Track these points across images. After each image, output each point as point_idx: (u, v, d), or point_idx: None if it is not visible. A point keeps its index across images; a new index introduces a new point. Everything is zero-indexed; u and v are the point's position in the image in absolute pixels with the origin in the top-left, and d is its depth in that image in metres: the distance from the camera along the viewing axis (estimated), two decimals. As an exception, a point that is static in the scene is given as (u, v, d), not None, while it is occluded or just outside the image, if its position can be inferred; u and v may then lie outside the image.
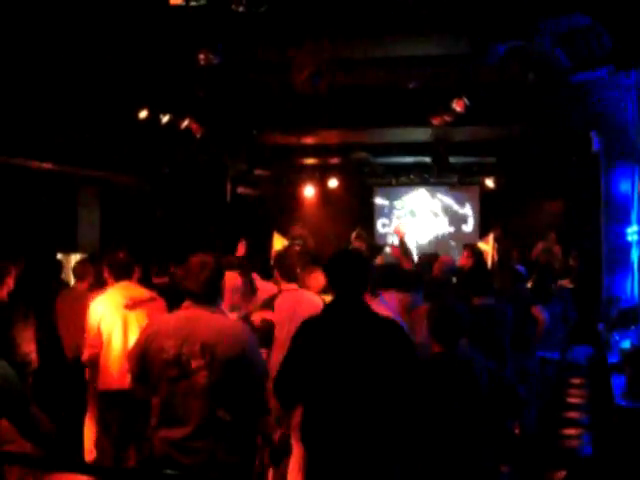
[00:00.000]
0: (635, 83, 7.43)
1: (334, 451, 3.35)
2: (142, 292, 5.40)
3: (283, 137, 11.74)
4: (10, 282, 5.00)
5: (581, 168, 10.82)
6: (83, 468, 3.35)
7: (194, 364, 3.42)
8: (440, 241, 15.29)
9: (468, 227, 15.19)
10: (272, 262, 7.12)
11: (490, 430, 3.93)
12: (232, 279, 4.67)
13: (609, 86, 7.60)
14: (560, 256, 10.83)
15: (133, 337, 5.14)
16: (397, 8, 6.49)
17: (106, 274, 6.34)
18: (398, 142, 12.45)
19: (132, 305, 5.23)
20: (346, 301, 3.51)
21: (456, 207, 15.28)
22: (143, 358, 3.57)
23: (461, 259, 8.80)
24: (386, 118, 10.39)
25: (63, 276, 8.57)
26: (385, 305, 4.89)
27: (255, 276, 6.77)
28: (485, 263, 8.74)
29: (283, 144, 12.29)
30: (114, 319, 5.20)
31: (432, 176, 14.31)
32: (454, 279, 7.35)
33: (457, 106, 9.09)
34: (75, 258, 9.63)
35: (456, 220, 15.32)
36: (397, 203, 15.65)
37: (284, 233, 12.04)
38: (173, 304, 4.40)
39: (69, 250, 10.57)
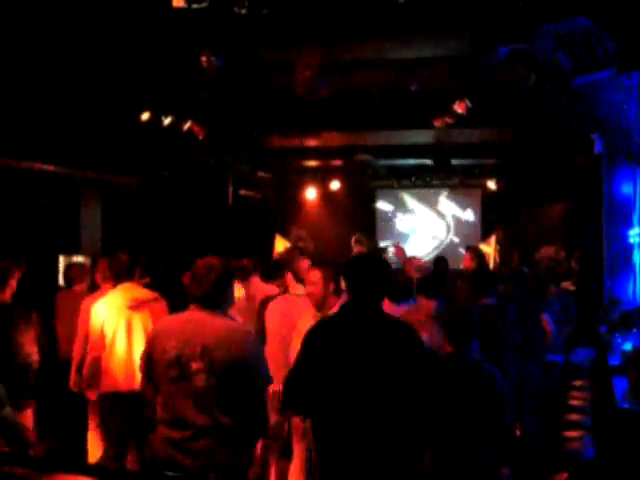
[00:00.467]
0: (637, 85, 7.43)
1: (348, 455, 3.32)
2: (145, 293, 5.41)
3: (285, 139, 11.75)
4: (13, 284, 5.01)
5: (583, 170, 10.82)
6: (85, 469, 3.35)
7: (194, 366, 3.43)
8: (442, 243, 15.29)
9: (470, 229, 15.19)
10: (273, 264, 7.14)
11: (494, 432, 3.94)
12: None
13: (611, 88, 7.60)
14: (564, 261, 10.77)
15: (137, 338, 5.16)
16: (398, 10, 6.49)
17: (98, 277, 6.36)
18: (400, 144, 12.46)
19: (136, 306, 5.23)
20: (361, 305, 3.48)
21: (458, 209, 15.27)
22: (149, 358, 3.60)
23: (464, 261, 8.80)
24: (388, 120, 10.37)
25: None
26: (411, 311, 4.89)
27: (256, 278, 6.80)
28: (488, 265, 8.75)
29: (285, 146, 12.30)
30: (117, 320, 5.21)
31: (434, 178, 14.32)
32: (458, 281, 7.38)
33: (459, 108, 9.09)
34: (77, 260, 9.63)
35: (458, 222, 15.31)
36: (399, 205, 15.65)
37: (286, 235, 12.06)
38: (175, 304, 4.41)
39: (71, 252, 10.57)
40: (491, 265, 10.17)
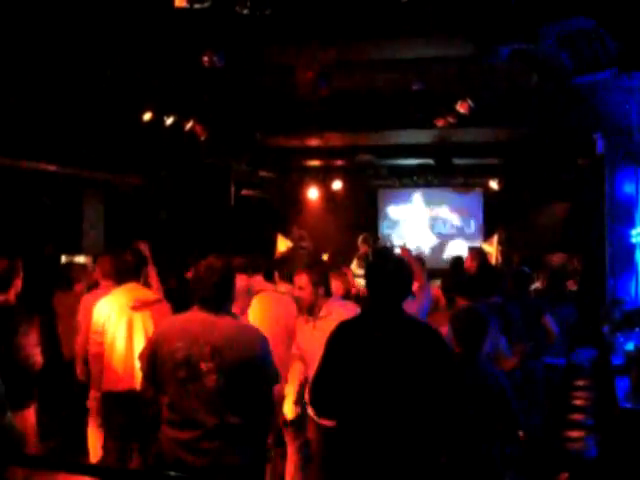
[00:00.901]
0: (639, 85, 7.43)
1: (375, 455, 3.31)
2: (148, 294, 5.41)
3: (287, 139, 11.76)
4: (18, 284, 5.01)
5: (585, 170, 10.81)
6: (87, 469, 3.36)
7: (203, 366, 3.43)
8: (444, 243, 15.30)
9: (472, 229, 15.19)
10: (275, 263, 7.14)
11: (501, 433, 3.93)
12: (241, 281, 4.64)
13: (613, 88, 7.59)
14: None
15: (138, 338, 5.16)
16: (400, 10, 6.49)
17: (98, 275, 6.36)
18: (402, 144, 12.47)
19: (138, 306, 5.24)
20: (384, 307, 3.47)
21: (460, 209, 15.27)
22: (153, 358, 3.58)
23: (466, 261, 8.80)
24: (390, 120, 10.39)
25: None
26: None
27: (259, 278, 6.79)
28: (490, 264, 8.75)
29: (287, 146, 12.31)
30: (119, 320, 5.21)
31: (436, 178, 14.32)
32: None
33: (461, 108, 9.09)
34: (80, 260, 9.64)
35: (460, 222, 15.32)
36: (401, 205, 15.65)
37: (287, 235, 12.07)
38: (179, 306, 4.42)
39: (74, 252, 10.58)
40: (493, 264, 10.17)
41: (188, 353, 3.45)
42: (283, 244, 11.50)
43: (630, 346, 6.18)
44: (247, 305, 4.82)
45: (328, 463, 4.15)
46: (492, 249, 11.01)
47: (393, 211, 15.70)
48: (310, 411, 4.45)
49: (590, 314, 8.05)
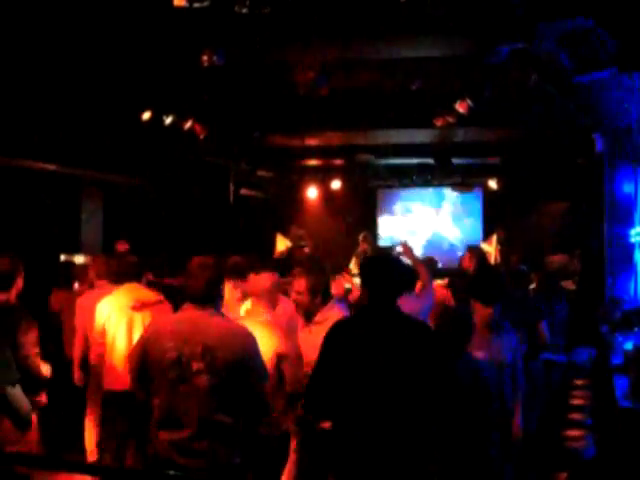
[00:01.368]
0: (638, 85, 7.43)
1: (369, 454, 3.31)
2: (149, 294, 5.42)
3: (286, 139, 11.74)
4: (19, 283, 5.01)
5: (584, 170, 10.82)
6: (86, 468, 3.36)
7: (195, 366, 3.43)
8: (443, 243, 15.30)
9: (471, 228, 15.19)
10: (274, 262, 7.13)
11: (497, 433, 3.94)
12: (266, 280, 4.61)
13: (612, 88, 7.60)
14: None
15: (137, 338, 5.16)
16: (399, 9, 6.49)
17: (92, 274, 6.37)
18: (401, 143, 12.44)
19: (139, 307, 5.25)
20: (378, 305, 3.48)
21: (459, 208, 15.28)
22: (143, 359, 3.58)
23: (463, 261, 8.80)
24: (389, 120, 10.38)
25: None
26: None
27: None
28: (489, 264, 8.74)
29: (286, 146, 12.29)
30: (119, 320, 5.22)
31: (435, 177, 14.32)
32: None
33: (460, 107, 9.09)
34: (78, 259, 9.65)
35: (459, 222, 15.32)
36: (400, 204, 15.66)
37: (286, 234, 12.08)
38: (178, 306, 4.41)
39: (72, 251, 10.58)
40: (492, 264, 10.18)
41: (179, 353, 3.45)
42: (282, 243, 11.52)
43: (629, 345, 6.18)
44: (275, 302, 4.67)
45: (319, 463, 4.13)
46: (491, 249, 11.02)
47: (392, 210, 15.70)
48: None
49: (589, 313, 8.06)
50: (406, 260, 6.92)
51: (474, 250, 9.20)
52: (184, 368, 3.44)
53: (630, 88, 7.53)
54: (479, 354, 4.39)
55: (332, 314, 4.57)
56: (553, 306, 6.93)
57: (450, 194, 15.23)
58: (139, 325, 5.20)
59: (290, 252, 12.27)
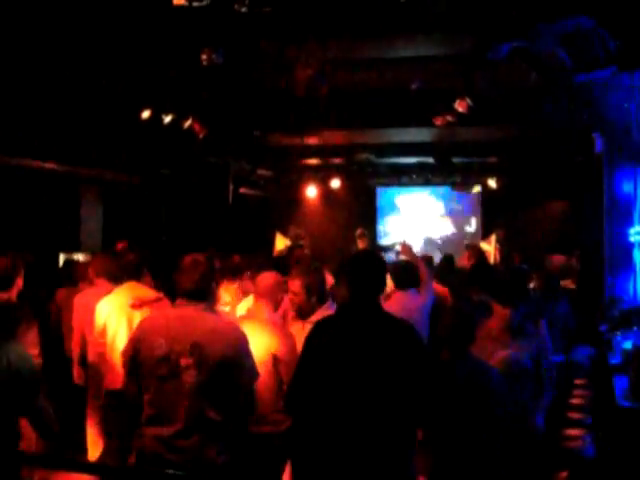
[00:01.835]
0: (638, 84, 7.44)
1: (346, 455, 3.29)
2: (148, 292, 5.41)
3: (286, 138, 11.74)
4: (20, 282, 5.01)
5: (584, 169, 10.82)
6: (87, 467, 3.36)
7: (183, 363, 3.43)
8: (443, 242, 15.30)
9: (470, 228, 15.20)
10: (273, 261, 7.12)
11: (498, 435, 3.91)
12: (268, 279, 4.61)
13: (612, 87, 7.61)
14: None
15: (138, 337, 5.16)
16: (399, 8, 6.49)
17: (92, 273, 6.36)
18: (401, 143, 12.45)
19: (138, 305, 5.24)
20: (361, 303, 3.47)
21: (458, 207, 15.28)
22: (135, 354, 3.59)
23: (463, 259, 8.81)
24: (389, 119, 10.38)
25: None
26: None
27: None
28: (487, 261, 8.75)
29: (286, 145, 12.29)
30: (119, 319, 5.22)
31: (435, 176, 14.32)
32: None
33: (460, 107, 9.08)
34: (78, 258, 9.64)
35: (458, 221, 15.32)
36: (400, 204, 15.66)
37: (285, 233, 12.08)
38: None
39: (72, 250, 10.58)
40: (491, 263, 10.18)
41: (168, 349, 3.46)
42: (282, 242, 11.51)
43: (628, 345, 6.19)
44: (278, 302, 4.64)
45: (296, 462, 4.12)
46: (490, 248, 11.01)
47: (391, 210, 15.70)
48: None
49: (588, 313, 8.07)
50: (405, 258, 6.93)
51: (473, 249, 9.21)
52: (173, 364, 3.45)
53: (630, 87, 7.54)
54: (499, 356, 4.32)
55: (328, 314, 4.55)
56: (553, 305, 6.93)
57: (449, 193, 15.23)
58: (138, 324, 5.19)
59: (289, 251, 12.27)
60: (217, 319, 3.66)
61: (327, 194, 15.05)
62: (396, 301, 5.96)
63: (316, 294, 4.67)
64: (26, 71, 7.42)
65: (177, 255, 3.84)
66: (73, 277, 7.18)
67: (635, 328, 7.07)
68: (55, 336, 6.68)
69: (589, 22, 6.19)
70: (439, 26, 6.88)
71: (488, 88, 8.79)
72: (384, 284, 3.62)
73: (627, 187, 8.28)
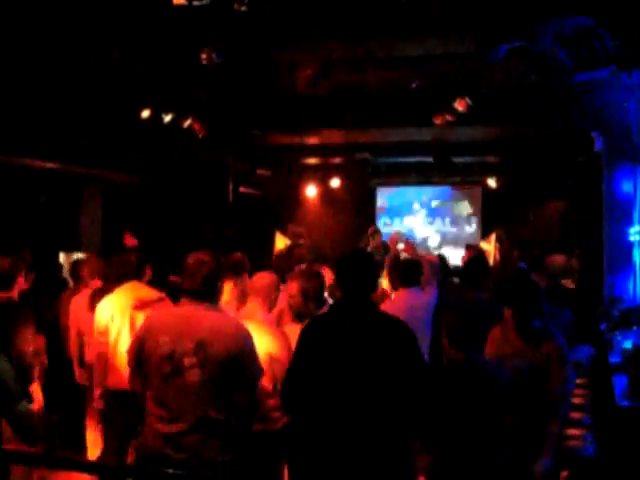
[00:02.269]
0: (638, 83, 7.43)
1: (341, 452, 3.31)
2: (150, 293, 5.40)
3: (285, 137, 11.75)
4: (21, 281, 5.01)
5: (583, 168, 10.82)
6: (87, 467, 3.36)
7: (187, 361, 3.43)
8: (443, 241, 15.30)
9: (470, 227, 15.19)
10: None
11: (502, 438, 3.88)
12: (262, 279, 4.61)
13: (611, 86, 7.60)
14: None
15: (140, 338, 5.16)
16: (399, 8, 6.49)
17: (86, 274, 6.37)
18: (400, 142, 12.45)
19: (140, 306, 5.23)
20: (353, 301, 3.48)
21: (458, 207, 15.27)
22: (139, 353, 3.59)
23: (463, 259, 8.80)
24: (388, 118, 10.39)
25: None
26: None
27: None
28: (486, 260, 8.74)
29: (285, 144, 12.29)
30: (122, 320, 5.21)
31: (434, 176, 14.32)
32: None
33: (459, 106, 9.09)
34: (77, 257, 9.63)
35: (458, 220, 15.32)
36: (399, 203, 15.65)
37: (285, 233, 12.07)
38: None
39: (71, 249, 10.58)
40: (491, 263, 10.18)
41: (172, 347, 3.45)
42: (281, 242, 11.49)
43: (628, 344, 6.19)
44: (273, 302, 4.65)
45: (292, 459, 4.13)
46: (490, 247, 11.00)
47: (391, 209, 15.69)
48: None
49: (588, 312, 8.06)
50: (407, 256, 6.95)
51: (473, 249, 9.21)
52: (177, 363, 3.44)
53: (629, 87, 7.53)
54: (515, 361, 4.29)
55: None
56: (556, 308, 6.92)
57: (449, 192, 15.23)
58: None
59: (289, 250, 12.26)
60: (221, 317, 3.64)
61: (327, 193, 15.03)
62: (401, 298, 6.00)
63: (313, 298, 4.65)
64: (26, 70, 7.43)
65: (177, 254, 3.84)
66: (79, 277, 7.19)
67: (635, 327, 7.06)
68: (56, 336, 6.68)
69: (588, 22, 6.19)
70: (439, 26, 6.89)
71: (487, 88, 8.80)
72: (375, 282, 3.62)
73: (627, 186, 8.27)
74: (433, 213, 15.47)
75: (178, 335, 3.47)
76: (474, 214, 15.13)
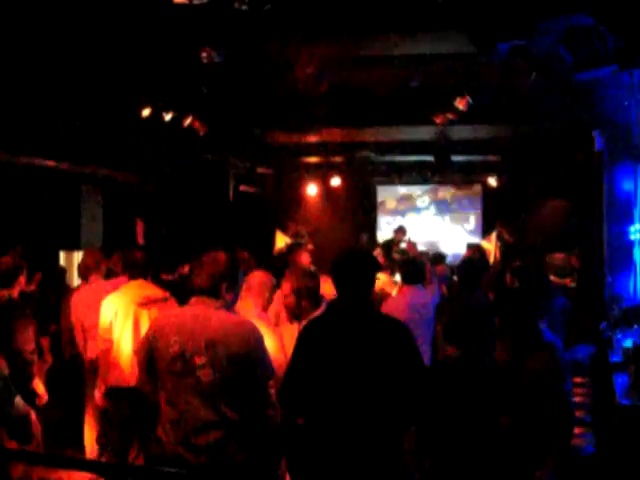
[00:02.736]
0: (638, 82, 7.43)
1: (341, 451, 3.32)
2: (156, 291, 5.40)
3: (286, 135, 11.74)
4: (22, 280, 5.02)
5: (584, 167, 10.82)
6: (86, 465, 3.35)
7: (198, 360, 3.41)
8: (443, 240, 15.30)
9: (471, 226, 15.19)
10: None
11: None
12: (256, 277, 4.63)
13: (612, 85, 7.59)
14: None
15: (144, 335, 5.17)
16: (399, 6, 6.48)
17: (84, 271, 6.38)
18: (401, 140, 12.46)
19: (146, 303, 5.24)
20: (350, 301, 3.47)
21: (459, 206, 15.28)
22: (150, 352, 3.57)
23: (463, 258, 8.79)
24: (389, 116, 10.39)
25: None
26: None
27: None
28: (487, 259, 8.75)
29: (286, 142, 12.30)
30: (126, 317, 5.22)
31: (435, 174, 14.32)
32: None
33: (460, 104, 9.08)
34: (78, 256, 9.64)
35: (459, 219, 15.32)
36: (400, 201, 15.65)
37: (285, 231, 12.08)
38: (182, 302, 4.41)
39: (72, 248, 10.58)
40: (491, 262, 10.18)
41: (183, 347, 3.44)
42: (281, 240, 11.52)
43: (628, 343, 6.19)
44: (264, 301, 4.65)
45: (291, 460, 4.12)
46: (491, 246, 11.01)
47: (392, 207, 15.70)
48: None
49: (588, 311, 8.06)
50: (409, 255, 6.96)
51: (474, 247, 9.21)
52: (187, 362, 3.43)
53: (630, 86, 7.53)
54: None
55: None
56: (550, 303, 6.92)
57: (450, 191, 15.23)
58: (145, 322, 5.18)
59: (289, 249, 12.27)
60: (232, 317, 3.61)
61: (327, 192, 15.05)
62: (405, 295, 6.03)
63: (307, 298, 4.66)
64: (27, 69, 7.42)
65: (178, 252, 3.83)
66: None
67: (635, 326, 7.06)
68: (56, 335, 6.69)
69: (589, 20, 6.18)
70: (438, 24, 6.88)
71: (488, 86, 8.79)
72: (372, 281, 3.61)
73: (627, 185, 8.27)
74: (434, 212, 15.47)
75: (188, 334, 3.45)
76: (474, 213, 15.13)
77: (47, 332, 6.19)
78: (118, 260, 6.31)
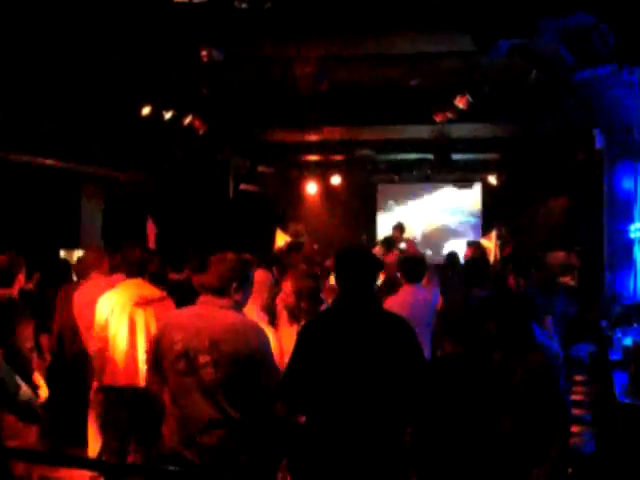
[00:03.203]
0: (639, 81, 7.42)
1: (343, 448, 3.32)
2: (153, 291, 5.38)
3: (286, 134, 11.75)
4: (21, 279, 5.01)
5: (584, 165, 10.82)
6: (87, 464, 3.36)
7: (201, 359, 3.42)
8: (443, 239, 15.29)
9: (471, 224, 15.19)
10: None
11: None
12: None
13: (612, 84, 7.58)
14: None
15: (140, 335, 5.15)
16: (399, 5, 6.49)
17: (85, 269, 6.35)
18: (401, 139, 12.46)
19: (142, 303, 5.22)
20: (353, 298, 3.48)
21: (459, 204, 15.27)
22: (156, 351, 3.59)
23: (464, 257, 8.81)
24: (389, 115, 10.39)
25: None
26: None
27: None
28: (486, 257, 8.76)
29: (286, 141, 12.30)
30: (121, 316, 5.20)
31: (435, 173, 14.33)
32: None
33: (460, 103, 9.09)
34: (77, 255, 9.62)
35: (459, 217, 15.31)
36: (400, 200, 15.65)
37: (285, 230, 12.07)
38: (186, 301, 4.41)
39: (72, 247, 10.58)
40: (491, 260, 10.18)
41: (187, 346, 3.44)
42: (282, 239, 11.49)
43: (628, 341, 6.19)
44: (267, 300, 4.68)
45: (292, 459, 4.13)
46: (491, 244, 11.01)
47: (392, 206, 15.69)
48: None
49: (589, 309, 8.06)
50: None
51: (474, 245, 9.21)
52: (191, 361, 3.43)
53: (630, 84, 7.52)
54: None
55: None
56: (552, 302, 6.92)
57: (450, 190, 15.23)
58: (141, 322, 5.17)
59: (289, 248, 12.26)
60: (237, 316, 3.60)
61: (327, 190, 15.05)
62: (406, 294, 6.03)
63: (307, 299, 4.66)
64: (27, 68, 7.42)
65: (178, 251, 3.84)
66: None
67: (635, 324, 7.06)
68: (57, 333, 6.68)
69: (589, 19, 6.19)
70: (439, 23, 6.88)
71: (488, 85, 8.79)
72: (375, 277, 3.62)
73: (627, 184, 8.26)
74: (433, 210, 15.47)
75: (193, 333, 3.46)
76: (474, 211, 15.13)
77: (46, 330, 6.16)
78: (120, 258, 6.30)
